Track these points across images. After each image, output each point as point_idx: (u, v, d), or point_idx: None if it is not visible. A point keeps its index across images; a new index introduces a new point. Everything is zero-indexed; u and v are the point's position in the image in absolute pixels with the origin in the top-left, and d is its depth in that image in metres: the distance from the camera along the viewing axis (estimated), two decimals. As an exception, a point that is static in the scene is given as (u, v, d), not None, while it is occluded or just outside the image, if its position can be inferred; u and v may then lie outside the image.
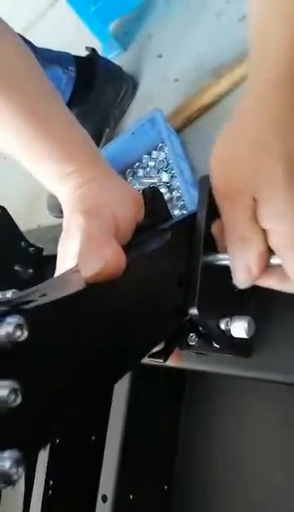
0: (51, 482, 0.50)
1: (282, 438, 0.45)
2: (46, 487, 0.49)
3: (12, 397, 0.15)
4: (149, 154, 0.78)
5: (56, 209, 0.93)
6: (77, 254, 0.24)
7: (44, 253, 0.71)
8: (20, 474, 0.15)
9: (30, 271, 0.65)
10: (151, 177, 0.76)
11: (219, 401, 0.50)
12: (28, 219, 1.01)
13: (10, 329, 0.15)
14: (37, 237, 0.90)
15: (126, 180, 0.81)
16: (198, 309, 0.28)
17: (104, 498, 0.42)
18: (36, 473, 0.49)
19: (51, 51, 0.87)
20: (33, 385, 0.16)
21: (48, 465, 0.49)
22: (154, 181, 0.75)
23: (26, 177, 1.12)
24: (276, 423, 0.46)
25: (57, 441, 0.50)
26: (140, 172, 0.78)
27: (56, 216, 0.94)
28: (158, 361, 0.30)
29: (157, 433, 0.49)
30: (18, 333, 0.16)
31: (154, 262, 0.26)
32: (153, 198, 0.34)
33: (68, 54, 0.89)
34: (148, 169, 0.77)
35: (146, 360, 0.31)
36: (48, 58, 0.84)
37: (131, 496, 0.44)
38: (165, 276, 0.27)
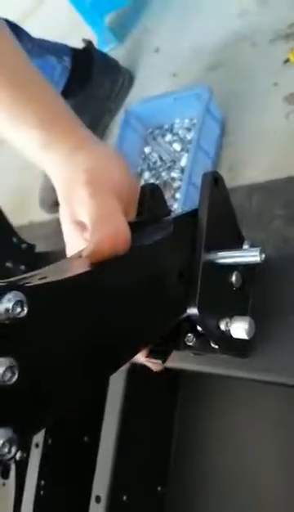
0: (43, 483, 0.49)
1: (276, 439, 0.45)
2: (38, 487, 0.48)
3: (8, 374, 0.15)
4: (183, 124, 0.75)
5: (48, 205, 0.92)
6: (90, 231, 0.25)
7: (36, 250, 0.70)
8: (12, 454, 0.15)
9: (22, 267, 0.64)
10: (172, 152, 0.73)
11: (213, 401, 0.50)
12: (19, 215, 1.00)
13: (10, 305, 0.16)
14: (29, 233, 0.89)
15: (147, 140, 0.78)
16: (199, 309, 0.28)
17: (98, 499, 0.41)
18: (27, 473, 0.49)
19: (46, 41, 0.85)
20: (30, 364, 0.16)
21: (40, 465, 0.48)
22: (174, 149, 0.72)
23: (18, 173, 1.10)
24: (271, 424, 0.46)
25: (50, 441, 0.49)
26: (168, 137, 0.75)
27: (48, 212, 0.93)
28: (157, 362, 0.29)
29: (151, 434, 0.48)
30: (18, 309, 0.16)
31: (156, 253, 0.26)
32: (152, 194, 0.34)
33: (64, 45, 0.88)
34: (175, 138, 0.74)
35: (144, 360, 0.31)
36: (43, 47, 0.82)
37: (125, 497, 0.43)
38: (165, 270, 0.27)
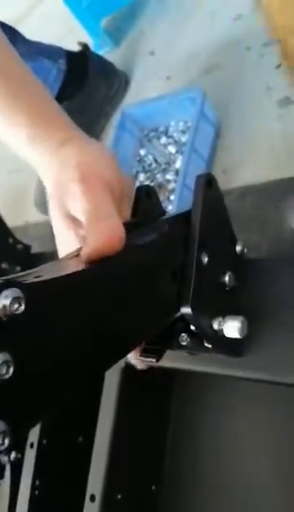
0: (38, 483, 0.50)
1: (272, 438, 0.46)
2: (33, 487, 0.49)
3: (4, 369, 0.16)
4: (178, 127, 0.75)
5: (44, 206, 0.92)
6: (86, 230, 0.25)
7: (32, 251, 0.70)
8: (5, 446, 0.16)
9: (18, 268, 0.64)
10: (167, 154, 0.74)
11: (208, 401, 0.51)
12: (15, 215, 1.00)
13: (7, 301, 0.16)
14: (25, 234, 0.89)
15: (142, 142, 0.78)
16: (192, 308, 0.28)
17: (93, 498, 0.42)
18: (23, 474, 0.49)
19: (41, 43, 0.86)
20: (25, 359, 0.17)
21: (35, 465, 0.48)
22: (169, 152, 0.73)
23: (14, 173, 1.10)
24: (266, 423, 0.46)
25: (44, 442, 0.49)
26: (163, 140, 0.76)
27: (44, 213, 0.93)
28: (151, 361, 0.30)
29: (145, 433, 0.49)
30: (15, 306, 0.16)
31: (150, 253, 0.26)
32: (147, 196, 0.34)
33: (59, 47, 0.88)
34: (170, 140, 0.75)
35: (137, 358, 0.31)
36: (38, 50, 0.83)
37: (119, 496, 0.43)
38: (159, 269, 0.27)
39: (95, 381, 0.22)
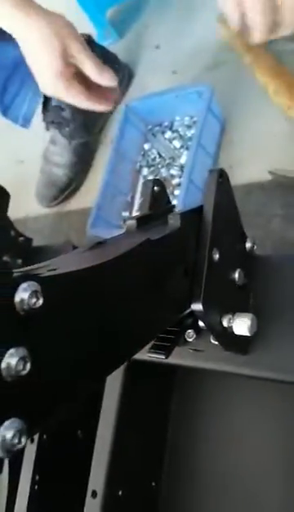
0: (38, 477, 0.49)
1: (274, 436, 0.46)
2: (33, 482, 0.48)
3: (21, 365, 0.15)
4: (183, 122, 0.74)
5: (46, 199, 0.91)
6: (92, 69, 0.41)
7: (33, 245, 0.70)
8: (22, 445, 0.15)
9: (19, 261, 0.64)
10: (172, 149, 0.73)
11: (209, 398, 0.50)
12: (15, 208, 0.99)
13: (25, 295, 0.15)
14: (24, 227, 0.88)
15: (146, 136, 0.78)
16: (203, 305, 0.28)
17: (94, 494, 0.41)
18: (22, 469, 0.48)
19: None
20: (42, 355, 0.16)
21: (35, 460, 0.48)
22: (173, 147, 0.72)
23: (14, 166, 1.09)
24: (266, 420, 0.46)
25: (44, 436, 0.49)
26: (168, 134, 0.75)
27: (45, 206, 0.92)
28: (160, 358, 0.29)
29: (146, 430, 0.49)
30: (33, 299, 0.16)
31: (165, 247, 0.26)
32: (156, 189, 0.34)
33: None
34: (175, 135, 0.74)
35: (146, 355, 0.31)
36: None
37: (120, 492, 0.43)
38: (173, 264, 0.27)
39: (108, 375, 0.21)
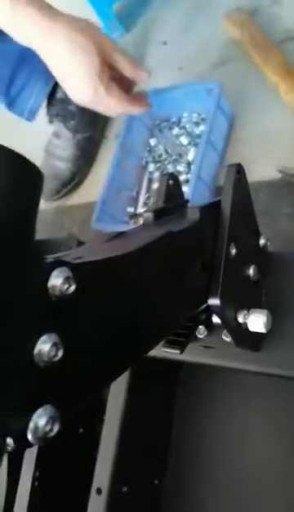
0: (38, 474, 0.49)
1: (276, 434, 0.45)
2: (34, 478, 0.48)
3: (54, 351, 0.15)
4: (192, 119, 0.74)
5: (48, 193, 0.91)
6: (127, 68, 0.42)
7: (35, 238, 0.69)
8: (54, 432, 0.15)
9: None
10: (179, 145, 0.72)
11: (213, 396, 0.50)
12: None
13: (58, 281, 0.15)
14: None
15: (153, 132, 0.78)
16: (220, 299, 0.28)
17: (99, 491, 0.41)
18: (24, 465, 0.48)
19: None
20: (74, 341, 0.16)
21: (37, 456, 0.48)
22: (181, 143, 0.72)
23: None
24: (270, 418, 0.46)
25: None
26: (175, 131, 0.75)
27: (47, 200, 0.92)
28: (175, 353, 0.29)
29: (150, 427, 0.48)
30: (66, 285, 0.16)
31: (183, 240, 0.26)
32: (171, 183, 0.34)
33: None
34: (183, 131, 0.73)
35: (162, 350, 0.30)
36: None
37: (125, 489, 0.43)
38: (190, 258, 0.27)
39: (132, 365, 0.21)
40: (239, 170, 0.32)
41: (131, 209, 0.74)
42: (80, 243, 0.55)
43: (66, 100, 0.78)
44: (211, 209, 0.30)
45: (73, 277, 0.16)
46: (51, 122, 0.86)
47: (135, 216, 0.72)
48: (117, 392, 0.43)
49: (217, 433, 0.49)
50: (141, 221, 0.75)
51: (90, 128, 0.85)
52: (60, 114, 0.83)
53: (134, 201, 0.76)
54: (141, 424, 0.46)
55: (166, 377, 0.51)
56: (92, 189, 0.86)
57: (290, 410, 0.45)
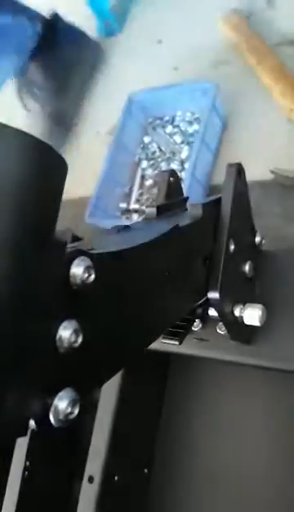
0: (28, 464, 0.49)
1: (265, 426, 0.47)
2: (24, 468, 0.48)
3: (74, 337, 0.16)
4: (184, 118, 0.75)
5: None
6: None
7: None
8: (75, 414, 0.16)
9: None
10: (172, 144, 0.73)
11: (201, 387, 0.51)
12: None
13: (79, 270, 0.16)
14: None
15: (147, 129, 0.79)
16: (220, 294, 0.29)
17: (91, 479, 0.42)
18: (14, 454, 0.48)
19: (21, 2, 0.86)
20: (93, 328, 0.17)
21: (28, 447, 0.48)
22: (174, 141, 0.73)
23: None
24: (259, 408, 0.48)
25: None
26: (169, 129, 0.76)
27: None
28: (174, 344, 0.30)
29: (141, 418, 0.49)
30: (86, 274, 0.16)
31: (188, 235, 0.27)
32: (172, 180, 0.34)
33: (38, 12, 0.89)
34: (176, 130, 0.75)
35: (159, 341, 0.31)
36: (21, 8, 0.84)
37: (116, 478, 0.44)
38: (193, 253, 0.28)
39: (141, 352, 0.22)
40: (240, 169, 0.33)
41: (123, 205, 0.75)
42: (75, 237, 0.55)
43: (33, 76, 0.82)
44: (212, 206, 0.31)
45: (93, 266, 0.16)
46: (20, 97, 0.90)
47: (127, 211, 0.73)
48: (109, 384, 0.44)
49: (206, 425, 0.50)
50: (134, 216, 0.75)
51: (59, 101, 0.89)
52: (28, 89, 0.87)
53: (126, 197, 0.76)
54: (132, 415, 0.47)
55: (157, 369, 0.52)
56: (82, 185, 0.86)
57: (280, 403, 0.47)
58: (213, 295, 0.29)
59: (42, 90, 0.87)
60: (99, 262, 0.17)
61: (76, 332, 0.16)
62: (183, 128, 0.73)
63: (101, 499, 0.42)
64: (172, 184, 0.35)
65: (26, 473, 0.49)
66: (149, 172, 0.75)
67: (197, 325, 0.37)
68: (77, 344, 0.16)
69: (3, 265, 0.13)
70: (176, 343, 0.30)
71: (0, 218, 0.13)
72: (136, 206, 0.73)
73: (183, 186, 0.63)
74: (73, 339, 0.16)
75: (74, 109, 0.92)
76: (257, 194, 0.61)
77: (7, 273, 0.13)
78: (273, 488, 0.45)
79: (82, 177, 0.90)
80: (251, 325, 0.33)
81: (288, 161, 0.61)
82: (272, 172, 0.59)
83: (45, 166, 0.14)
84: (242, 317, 0.32)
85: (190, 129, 0.72)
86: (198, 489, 0.49)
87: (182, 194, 0.37)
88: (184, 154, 0.70)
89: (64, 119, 0.90)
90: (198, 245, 0.28)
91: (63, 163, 0.15)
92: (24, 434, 0.15)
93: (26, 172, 0.13)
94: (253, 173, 0.65)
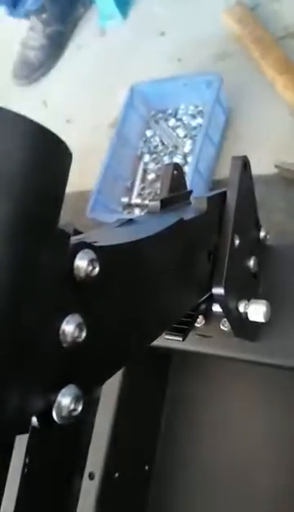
0: (28, 460, 0.49)
1: (265, 422, 0.47)
2: (24, 464, 0.48)
3: (77, 331, 0.15)
4: (187, 111, 0.75)
5: (19, 77, 1.09)
6: None
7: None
8: (78, 411, 0.15)
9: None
10: (175, 137, 0.73)
11: (202, 384, 0.51)
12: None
13: (83, 263, 0.15)
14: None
15: (149, 123, 0.79)
16: (225, 289, 0.28)
17: (92, 475, 0.41)
18: (14, 452, 0.48)
19: None
20: (97, 322, 0.17)
21: (28, 444, 0.48)
22: (177, 134, 0.72)
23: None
24: (261, 406, 0.47)
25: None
26: (172, 122, 0.75)
27: (19, 84, 1.09)
28: (177, 340, 0.30)
29: (142, 415, 0.49)
30: (90, 268, 0.16)
31: (193, 228, 0.26)
32: (176, 173, 0.34)
33: None
34: (179, 123, 0.74)
35: (162, 337, 0.31)
36: None
37: (116, 475, 0.44)
38: (198, 247, 0.27)
39: (145, 348, 0.22)
40: (245, 163, 0.32)
41: (125, 199, 0.74)
42: (77, 231, 0.55)
43: None
44: (217, 200, 0.30)
45: (97, 259, 0.16)
46: (27, 16, 1.03)
47: (129, 206, 0.72)
48: (110, 380, 0.44)
49: (207, 422, 0.50)
50: (136, 211, 0.75)
51: (60, 23, 1.03)
52: (35, 9, 0.99)
53: (128, 191, 0.75)
54: (133, 412, 0.46)
55: (158, 366, 0.51)
56: (84, 179, 0.85)
57: (283, 400, 0.46)
58: (218, 291, 0.28)
59: (46, 13, 1.01)
60: (103, 254, 0.16)
61: (79, 326, 0.15)
62: (186, 122, 0.72)
63: (102, 495, 0.41)
64: (176, 177, 0.34)
65: (26, 469, 0.49)
66: (152, 166, 0.74)
67: (200, 322, 0.36)
68: (80, 339, 0.15)
69: (4, 255, 0.12)
70: (180, 339, 0.29)
71: (1, 207, 0.12)
72: (138, 201, 0.72)
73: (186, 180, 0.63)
74: (76, 333, 0.15)
75: (70, 32, 1.07)
76: (261, 188, 0.60)
77: (9, 264, 0.13)
78: (274, 486, 0.45)
79: (83, 171, 0.89)
80: (255, 322, 0.32)
81: (292, 155, 0.60)
82: (276, 166, 0.58)
83: (49, 154, 0.14)
84: (246, 313, 0.31)
85: (193, 123, 0.71)
86: (199, 486, 0.48)
87: (186, 187, 0.36)
88: (187, 148, 0.69)
89: (59, 39, 1.05)
90: (203, 239, 0.28)
91: (67, 153, 0.14)
92: (26, 431, 0.15)
93: (29, 159, 0.13)
94: (257, 167, 0.64)
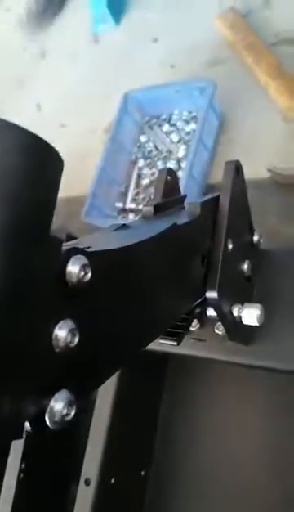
0: (24, 466, 0.49)
1: (262, 424, 0.47)
2: (20, 470, 0.48)
3: (70, 337, 0.15)
4: (181, 117, 0.75)
5: (35, 14, 1.12)
6: None
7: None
8: (71, 416, 0.15)
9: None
10: (168, 142, 0.73)
11: (198, 388, 0.51)
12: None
13: (75, 268, 0.15)
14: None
15: (143, 128, 0.79)
16: (218, 293, 0.28)
17: (88, 482, 0.41)
18: (10, 456, 0.48)
19: None
20: (90, 327, 0.17)
21: (24, 449, 0.47)
22: (171, 139, 0.72)
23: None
24: (256, 409, 0.47)
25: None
26: (166, 127, 0.76)
27: (36, 24, 1.10)
28: (172, 344, 0.30)
29: (138, 419, 0.49)
30: (82, 273, 0.16)
31: (186, 233, 0.26)
32: (170, 179, 0.34)
33: None
34: (173, 128, 0.74)
35: (157, 342, 0.31)
36: None
37: (113, 480, 0.43)
38: (192, 251, 0.27)
39: (139, 352, 0.22)
40: (238, 167, 0.32)
41: (119, 204, 0.74)
42: (69, 236, 0.55)
43: None
44: (210, 205, 0.30)
45: (89, 265, 0.16)
46: None
47: (123, 211, 0.72)
48: (106, 386, 0.44)
49: (204, 426, 0.50)
50: (131, 216, 0.75)
51: None
52: None
53: (122, 196, 0.76)
54: (129, 417, 0.46)
55: (154, 370, 0.51)
56: (78, 183, 0.85)
57: (277, 403, 0.46)
58: (211, 295, 0.28)
59: None
60: (95, 260, 0.16)
61: (72, 332, 0.15)
62: (180, 127, 0.72)
63: (98, 502, 0.41)
64: (170, 183, 0.35)
65: (22, 475, 0.48)
66: (146, 171, 0.75)
67: (194, 326, 0.37)
68: (73, 344, 0.15)
69: None
70: (175, 343, 0.30)
71: None
72: (133, 206, 0.73)
73: (180, 185, 0.63)
74: (69, 338, 0.15)
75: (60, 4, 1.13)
76: (254, 193, 0.61)
77: (0, 269, 0.13)
78: (273, 488, 0.45)
79: (77, 175, 0.90)
80: (249, 325, 0.32)
81: (285, 159, 0.61)
82: (269, 170, 0.58)
83: (40, 161, 0.14)
84: (240, 317, 0.32)
85: (187, 128, 0.72)
86: (196, 491, 0.48)
87: (180, 192, 0.36)
88: (181, 153, 0.69)
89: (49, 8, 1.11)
90: (196, 244, 0.28)
91: (58, 159, 0.15)
92: (20, 437, 0.15)
93: (21, 167, 0.13)
94: (250, 172, 0.65)
